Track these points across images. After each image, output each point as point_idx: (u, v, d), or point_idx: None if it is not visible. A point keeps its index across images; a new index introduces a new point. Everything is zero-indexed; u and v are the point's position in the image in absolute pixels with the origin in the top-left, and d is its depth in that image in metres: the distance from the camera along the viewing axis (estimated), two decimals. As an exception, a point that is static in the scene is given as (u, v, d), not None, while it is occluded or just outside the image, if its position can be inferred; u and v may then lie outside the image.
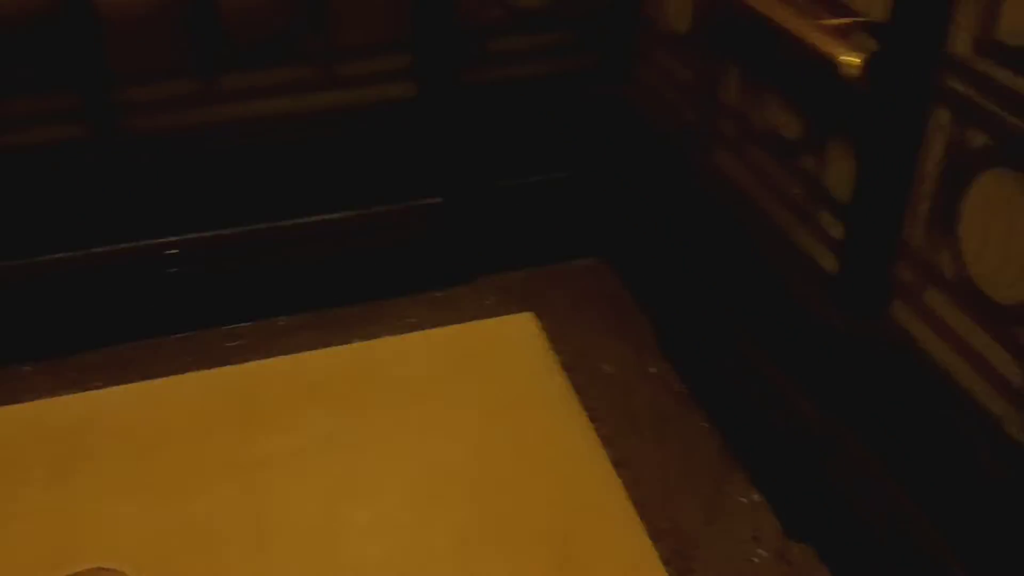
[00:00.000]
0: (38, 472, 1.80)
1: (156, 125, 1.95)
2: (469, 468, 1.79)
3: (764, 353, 1.68)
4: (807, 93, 1.46)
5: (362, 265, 2.21)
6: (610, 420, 1.90)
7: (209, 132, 1.98)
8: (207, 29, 1.89)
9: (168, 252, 2.06)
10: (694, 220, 1.88)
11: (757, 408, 1.72)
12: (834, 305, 1.44)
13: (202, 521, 1.70)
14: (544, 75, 2.14)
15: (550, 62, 2.13)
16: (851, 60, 1.24)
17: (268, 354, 2.08)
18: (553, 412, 1.92)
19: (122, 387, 2.00)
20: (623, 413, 1.92)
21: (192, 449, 1.84)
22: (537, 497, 1.73)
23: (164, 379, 2.02)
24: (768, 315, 1.67)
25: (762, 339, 1.69)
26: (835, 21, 1.33)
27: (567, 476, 1.77)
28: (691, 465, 1.80)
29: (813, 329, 1.51)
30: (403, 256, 2.23)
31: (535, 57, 2.12)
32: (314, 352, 2.09)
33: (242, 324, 2.16)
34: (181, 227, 2.05)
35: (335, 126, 2.05)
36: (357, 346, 2.11)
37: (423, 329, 2.15)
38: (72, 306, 2.06)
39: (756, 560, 1.61)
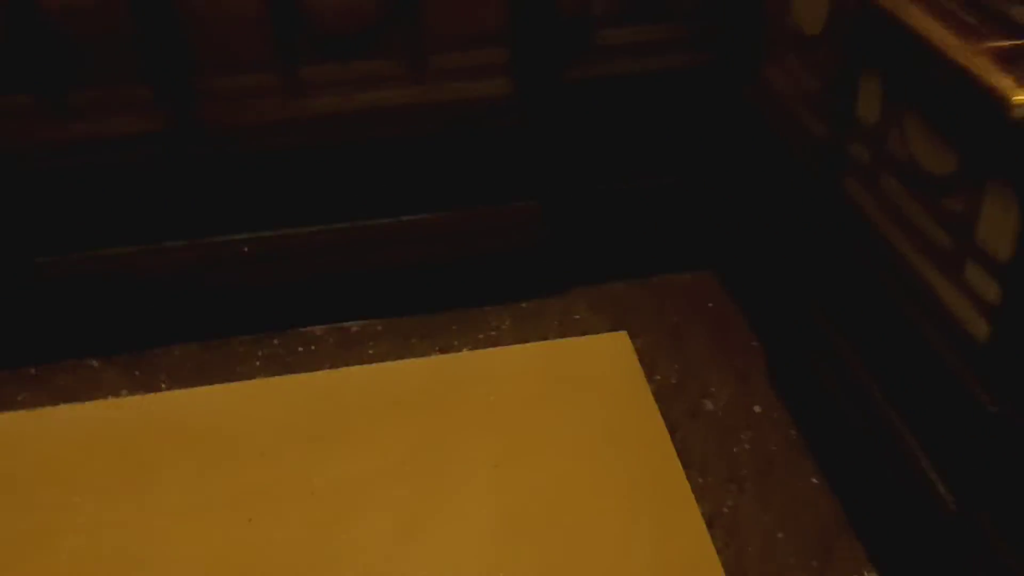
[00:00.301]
0: (98, 480, 1.74)
1: (236, 119, 1.85)
2: (546, 508, 1.66)
3: (892, 408, 1.46)
4: (964, 124, 1.22)
5: (448, 270, 2.07)
6: (706, 466, 1.71)
7: (290, 127, 1.87)
8: (290, 19, 1.75)
9: (243, 249, 1.96)
10: (816, 244, 1.66)
11: (879, 471, 1.50)
12: (982, 377, 1.22)
13: (266, 547, 1.62)
14: (653, 72, 1.95)
15: (661, 58, 1.94)
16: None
17: (341, 361, 1.98)
18: (642, 452, 1.75)
19: (189, 390, 1.93)
20: (722, 459, 1.73)
21: (260, 466, 1.76)
22: (616, 549, 1.58)
23: (233, 384, 1.95)
24: (900, 369, 1.45)
25: (891, 392, 1.47)
26: (1005, 43, 1.10)
27: (652, 530, 1.61)
28: (797, 528, 1.60)
29: (953, 398, 1.29)
30: (493, 262, 2.08)
31: (644, 52, 1.93)
32: (390, 364, 1.97)
33: (315, 327, 2.04)
34: (257, 224, 1.95)
35: (424, 122, 1.91)
36: (436, 359, 1.98)
37: (505, 343, 2.01)
38: (143, 301, 1.99)
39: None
